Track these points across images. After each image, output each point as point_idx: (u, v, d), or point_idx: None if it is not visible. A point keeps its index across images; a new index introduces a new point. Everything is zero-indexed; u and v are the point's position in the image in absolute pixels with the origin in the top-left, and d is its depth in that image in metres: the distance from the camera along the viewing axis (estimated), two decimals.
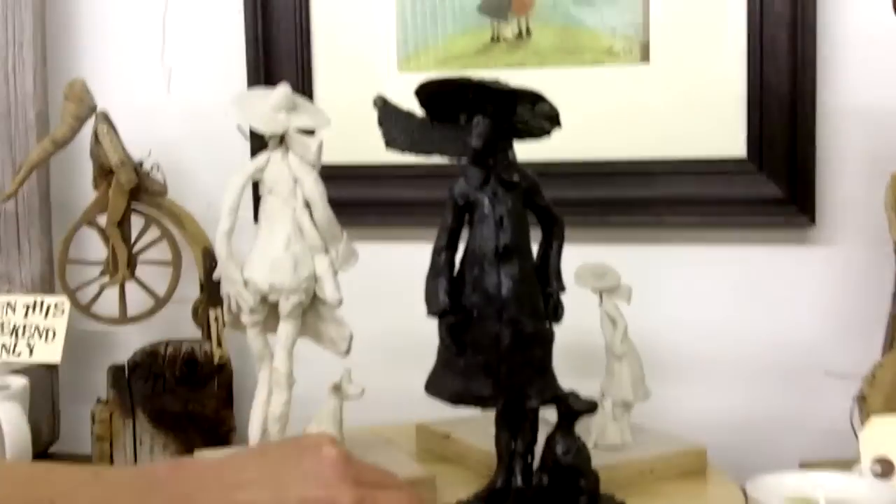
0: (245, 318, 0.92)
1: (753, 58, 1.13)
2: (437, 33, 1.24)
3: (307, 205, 0.90)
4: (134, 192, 1.26)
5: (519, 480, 0.87)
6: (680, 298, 1.20)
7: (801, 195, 1.13)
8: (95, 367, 1.29)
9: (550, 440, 0.87)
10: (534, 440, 0.88)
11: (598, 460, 0.89)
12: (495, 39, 1.22)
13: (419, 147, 0.90)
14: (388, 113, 0.90)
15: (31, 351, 1.26)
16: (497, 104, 0.85)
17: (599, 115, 1.19)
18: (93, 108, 1.25)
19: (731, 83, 1.15)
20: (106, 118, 1.25)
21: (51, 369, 1.30)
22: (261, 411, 0.92)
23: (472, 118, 0.85)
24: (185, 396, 1.18)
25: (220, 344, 1.20)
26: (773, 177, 1.14)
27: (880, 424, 0.86)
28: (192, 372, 1.18)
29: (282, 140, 0.91)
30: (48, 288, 1.36)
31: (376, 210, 1.26)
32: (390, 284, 1.20)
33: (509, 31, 1.22)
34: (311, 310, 0.92)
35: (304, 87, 1.27)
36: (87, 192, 1.30)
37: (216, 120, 1.26)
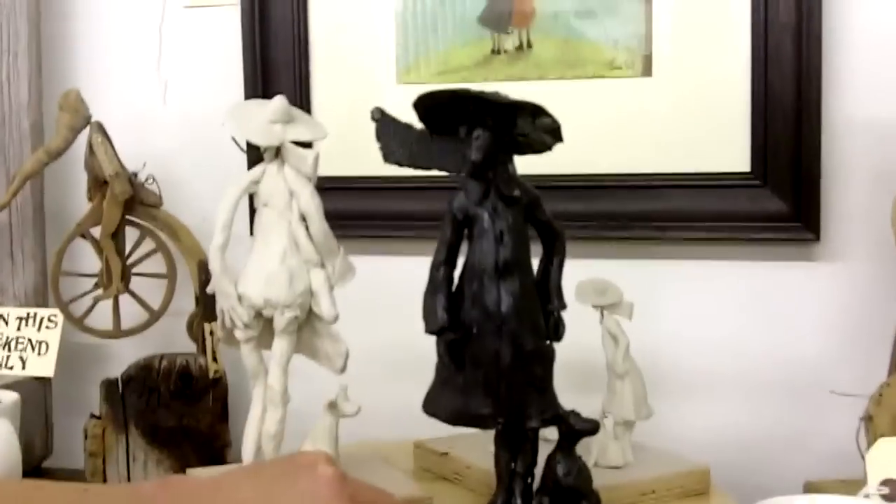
0: (239, 334, 0.90)
1: (757, 69, 1.12)
2: (437, 44, 1.23)
3: (303, 218, 0.88)
4: (128, 203, 1.25)
5: (519, 502, 0.86)
6: (682, 314, 1.18)
7: (806, 210, 1.12)
8: (89, 381, 1.28)
9: (551, 461, 0.85)
10: (534, 461, 0.86)
11: (598, 480, 0.88)
12: (496, 51, 1.21)
13: (418, 160, 0.88)
14: (386, 125, 0.89)
15: (23, 364, 1.26)
16: (497, 117, 0.83)
17: (601, 129, 1.18)
18: (88, 119, 1.25)
19: (734, 97, 1.13)
20: (101, 129, 1.24)
21: (44, 383, 1.29)
22: (255, 429, 0.91)
23: (471, 131, 0.83)
24: (180, 411, 1.17)
25: (215, 358, 1.19)
26: (777, 191, 1.13)
27: (887, 445, 0.85)
28: (187, 386, 1.17)
29: (278, 152, 0.89)
30: (41, 300, 1.35)
31: (374, 223, 1.25)
32: (388, 298, 1.18)
33: (510, 42, 1.21)
34: (307, 325, 0.91)
35: (301, 98, 1.26)
36: (81, 204, 1.29)
37: (212, 131, 1.24)
